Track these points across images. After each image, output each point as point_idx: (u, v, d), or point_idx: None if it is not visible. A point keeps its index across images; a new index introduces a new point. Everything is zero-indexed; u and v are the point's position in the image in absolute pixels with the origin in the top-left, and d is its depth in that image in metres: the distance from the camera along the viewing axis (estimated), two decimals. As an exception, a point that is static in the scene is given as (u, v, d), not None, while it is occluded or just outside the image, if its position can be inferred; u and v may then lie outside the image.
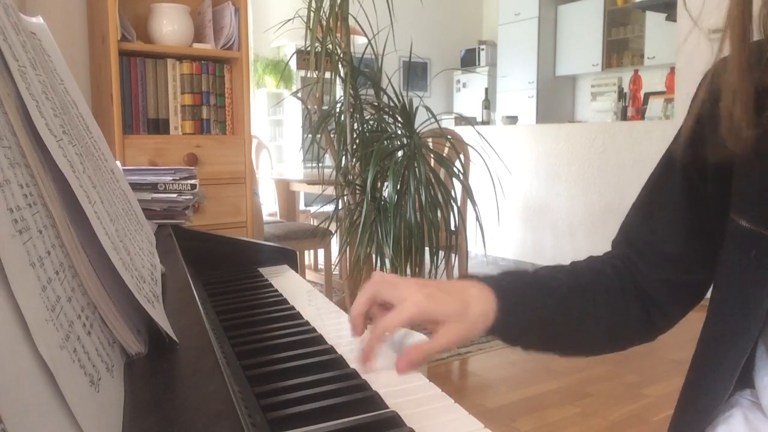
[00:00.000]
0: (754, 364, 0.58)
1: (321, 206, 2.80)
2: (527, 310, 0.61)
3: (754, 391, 0.59)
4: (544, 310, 0.62)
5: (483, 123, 5.25)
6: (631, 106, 4.64)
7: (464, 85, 7.29)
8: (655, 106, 4.19)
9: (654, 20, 5.61)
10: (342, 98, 2.20)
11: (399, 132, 2.17)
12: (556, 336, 0.64)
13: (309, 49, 2.09)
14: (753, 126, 0.51)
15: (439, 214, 2.07)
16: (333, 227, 2.38)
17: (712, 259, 0.63)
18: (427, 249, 2.09)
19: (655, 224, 0.66)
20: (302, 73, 5.86)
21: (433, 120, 2.16)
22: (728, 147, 0.53)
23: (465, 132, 2.80)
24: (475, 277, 0.61)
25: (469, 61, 7.20)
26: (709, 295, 0.64)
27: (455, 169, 2.21)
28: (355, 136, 2.21)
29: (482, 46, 7.08)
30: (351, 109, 2.16)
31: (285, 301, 0.83)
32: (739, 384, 0.58)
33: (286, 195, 4.03)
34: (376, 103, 2.22)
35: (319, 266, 3.87)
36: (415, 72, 6.93)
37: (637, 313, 0.66)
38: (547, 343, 0.65)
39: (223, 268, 1.02)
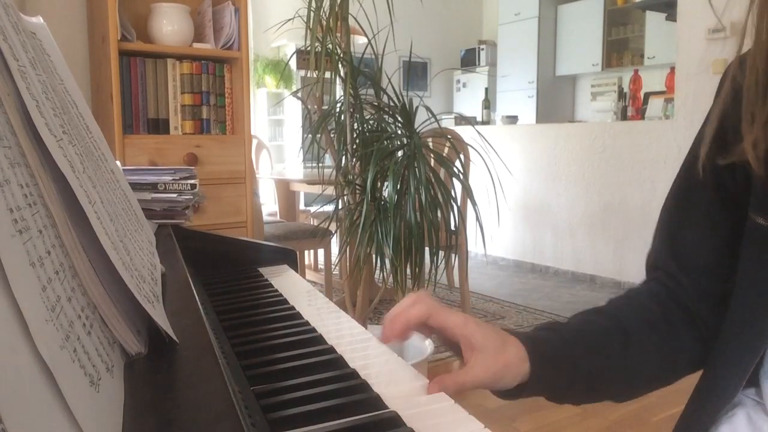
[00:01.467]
0: (762, 363, 0.58)
1: (321, 206, 2.80)
2: (564, 361, 0.58)
3: (759, 390, 0.59)
4: (586, 358, 0.60)
5: (483, 123, 5.26)
6: (631, 106, 4.64)
7: (464, 85, 7.28)
8: (655, 106, 4.19)
9: (654, 20, 5.61)
10: (342, 98, 2.20)
11: (399, 132, 2.17)
12: (604, 383, 0.62)
13: (309, 49, 2.09)
14: None
15: (439, 214, 2.07)
16: (333, 227, 2.37)
17: None
18: (427, 249, 2.09)
19: (690, 233, 0.64)
20: (302, 73, 5.87)
21: (433, 120, 2.16)
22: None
23: (465, 132, 2.80)
24: (506, 329, 0.59)
25: (469, 61, 7.20)
26: None
27: (455, 169, 2.21)
28: (355, 136, 2.21)
29: (482, 46, 7.08)
30: (351, 109, 2.16)
31: (285, 301, 0.83)
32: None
33: (286, 195, 4.03)
34: (376, 103, 2.22)
35: (319, 266, 3.87)
36: (415, 72, 6.93)
37: (688, 339, 0.64)
38: (597, 392, 0.62)
39: (223, 268, 1.02)
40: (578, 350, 0.59)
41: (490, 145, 2.23)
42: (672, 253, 0.66)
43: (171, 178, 1.04)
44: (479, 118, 5.40)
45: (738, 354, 0.58)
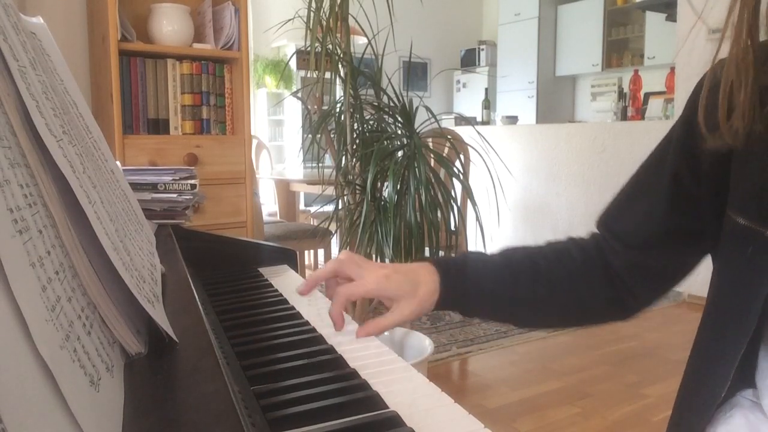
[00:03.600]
0: (756, 364, 0.58)
1: (321, 206, 2.80)
2: (472, 284, 0.68)
3: (756, 391, 0.59)
4: (493, 285, 0.68)
5: (483, 123, 5.25)
6: (631, 106, 4.64)
7: (464, 85, 7.28)
8: (655, 106, 4.19)
9: (654, 20, 5.62)
10: (342, 98, 2.20)
11: (399, 132, 2.17)
12: (509, 310, 0.71)
13: (309, 49, 2.10)
14: (751, 121, 0.52)
15: (439, 214, 2.07)
16: (333, 227, 2.38)
17: (688, 252, 0.66)
18: (427, 249, 2.09)
19: (636, 212, 0.69)
20: (302, 73, 5.87)
21: (433, 120, 2.16)
22: (724, 139, 0.53)
23: (465, 132, 2.80)
24: (427, 258, 0.70)
25: (469, 61, 7.20)
26: (706, 292, 0.64)
27: (455, 169, 2.21)
28: (355, 136, 2.21)
29: (482, 46, 7.07)
30: (351, 109, 2.16)
31: (285, 301, 0.83)
32: (740, 384, 0.58)
33: (286, 195, 4.03)
34: (376, 103, 2.22)
35: (320, 266, 3.86)
36: (415, 72, 6.93)
37: (602, 294, 0.70)
38: (502, 316, 0.72)
39: (223, 268, 1.02)
40: (487, 279, 0.68)
41: (490, 145, 2.23)
42: (613, 223, 0.71)
43: (171, 178, 1.04)
44: (479, 119, 5.40)
45: (720, 352, 0.58)
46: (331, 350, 0.63)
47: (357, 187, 2.20)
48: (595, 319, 0.73)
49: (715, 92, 0.55)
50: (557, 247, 0.73)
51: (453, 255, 0.72)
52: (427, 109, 2.18)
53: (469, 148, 2.63)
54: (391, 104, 2.19)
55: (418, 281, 0.66)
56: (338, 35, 2.14)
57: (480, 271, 0.68)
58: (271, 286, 0.93)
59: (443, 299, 0.67)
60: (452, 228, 2.16)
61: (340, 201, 2.24)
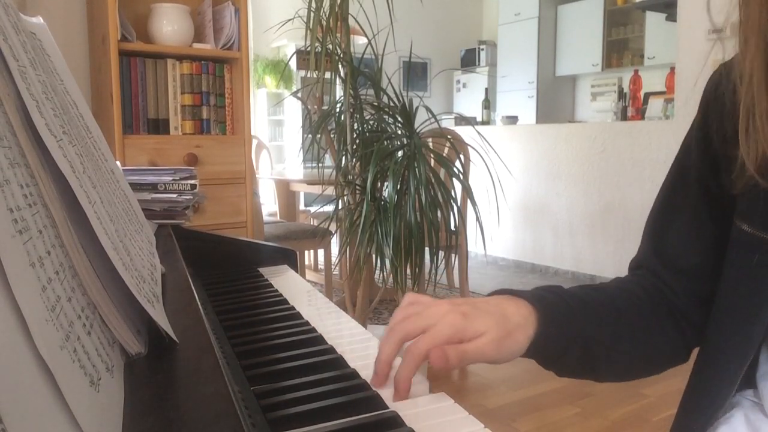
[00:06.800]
0: (757, 365, 0.58)
1: (321, 206, 2.80)
2: (569, 324, 0.57)
3: (756, 391, 0.59)
4: (585, 326, 0.59)
5: (483, 123, 5.25)
6: (631, 106, 4.64)
7: (464, 85, 7.28)
8: (655, 106, 4.19)
9: (654, 20, 5.61)
10: (342, 98, 2.20)
11: (399, 132, 2.18)
12: (594, 356, 0.61)
13: (309, 49, 2.10)
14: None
15: (439, 214, 2.07)
16: (333, 227, 2.38)
17: None
18: (427, 249, 2.09)
19: (675, 235, 0.65)
20: (302, 73, 5.87)
21: (433, 120, 2.16)
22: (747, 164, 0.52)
23: (465, 132, 2.80)
24: (508, 291, 0.58)
25: (469, 61, 7.20)
26: None
27: (455, 169, 2.21)
28: (355, 136, 2.21)
29: (482, 46, 7.08)
30: (351, 109, 2.16)
31: (285, 301, 0.83)
32: (740, 384, 0.58)
33: (286, 195, 4.03)
34: (376, 103, 2.22)
35: (319, 266, 3.87)
36: (415, 72, 6.93)
37: (672, 333, 0.64)
38: (585, 365, 0.61)
39: (223, 268, 1.02)
40: (580, 318, 0.58)
41: (490, 145, 2.23)
42: (657, 254, 0.66)
43: (171, 178, 1.04)
44: (479, 119, 5.40)
45: (726, 358, 0.58)
46: (331, 350, 0.62)
47: (357, 187, 2.20)
48: (670, 361, 0.67)
49: (721, 109, 0.53)
50: (618, 285, 0.66)
51: (528, 290, 0.58)
52: (427, 109, 2.18)
53: (469, 148, 2.63)
54: (391, 104, 2.20)
55: (505, 314, 0.53)
56: (338, 35, 2.14)
57: (573, 308, 0.58)
58: (271, 286, 0.93)
59: (537, 342, 0.54)
60: (452, 228, 2.16)
61: (340, 201, 2.24)
